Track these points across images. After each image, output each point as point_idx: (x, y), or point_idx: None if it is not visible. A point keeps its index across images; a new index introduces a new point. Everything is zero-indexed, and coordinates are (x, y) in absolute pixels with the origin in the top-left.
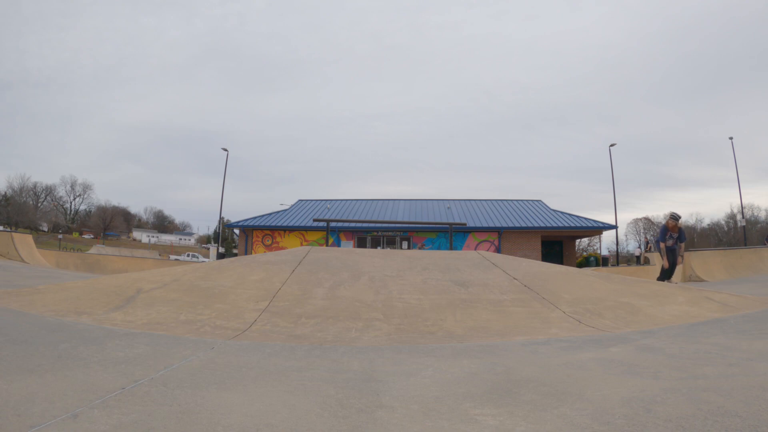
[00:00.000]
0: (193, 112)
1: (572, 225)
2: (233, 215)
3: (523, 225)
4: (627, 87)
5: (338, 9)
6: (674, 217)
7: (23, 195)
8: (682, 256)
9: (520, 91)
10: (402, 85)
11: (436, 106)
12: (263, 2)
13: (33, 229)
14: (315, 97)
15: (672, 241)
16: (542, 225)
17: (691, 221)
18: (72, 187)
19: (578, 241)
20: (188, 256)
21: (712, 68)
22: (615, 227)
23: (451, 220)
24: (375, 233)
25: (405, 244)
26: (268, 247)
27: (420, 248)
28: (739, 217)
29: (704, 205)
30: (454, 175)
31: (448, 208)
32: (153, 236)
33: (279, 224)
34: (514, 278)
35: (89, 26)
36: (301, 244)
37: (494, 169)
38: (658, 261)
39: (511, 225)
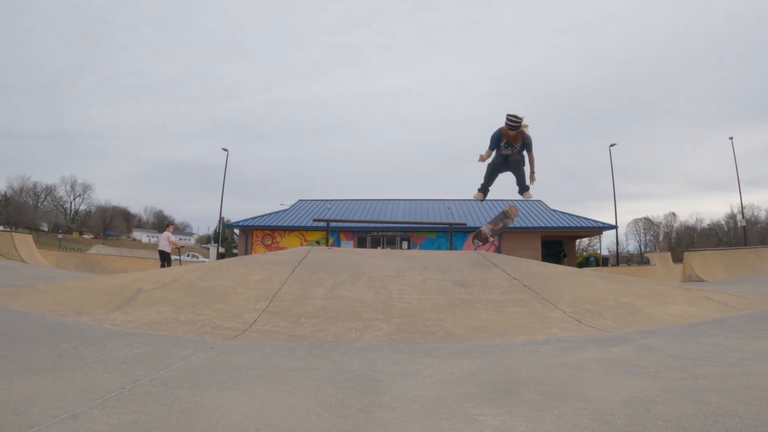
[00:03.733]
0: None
1: (572, 225)
2: (233, 215)
3: (523, 225)
4: (629, 91)
5: (340, 11)
6: (512, 122)
7: (23, 195)
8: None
9: (520, 95)
10: (403, 83)
11: (436, 107)
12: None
13: (33, 229)
14: (316, 96)
15: (511, 151)
16: (542, 225)
17: (692, 221)
18: (72, 187)
19: (578, 241)
20: (188, 256)
21: (715, 69)
22: (615, 227)
23: (451, 220)
24: (375, 233)
25: (405, 244)
26: (268, 247)
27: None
28: (739, 217)
29: (704, 205)
30: (454, 174)
31: (448, 208)
32: (153, 236)
33: (279, 224)
34: (514, 278)
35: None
36: (301, 244)
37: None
38: (658, 261)
39: (511, 225)
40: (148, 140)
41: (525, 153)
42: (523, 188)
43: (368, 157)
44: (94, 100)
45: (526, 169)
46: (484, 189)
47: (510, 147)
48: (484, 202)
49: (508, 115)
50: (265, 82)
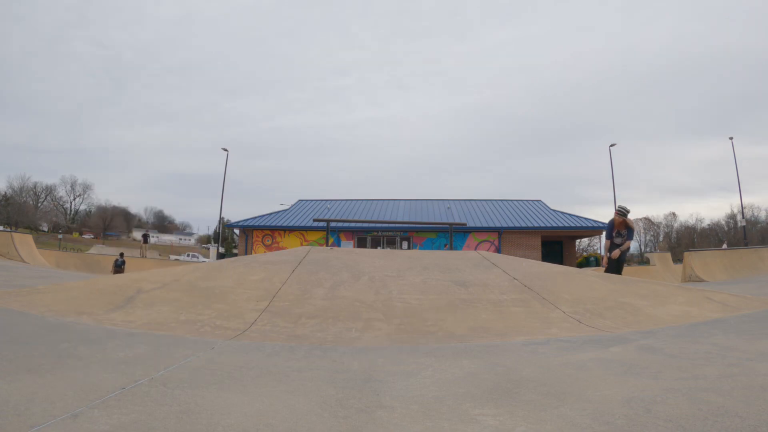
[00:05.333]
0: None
1: (572, 225)
2: (233, 215)
3: (523, 225)
4: (629, 94)
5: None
6: (621, 212)
7: (23, 195)
8: (624, 253)
9: (480, 121)
10: (382, 115)
11: (437, 112)
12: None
13: (33, 229)
14: (309, 125)
15: (621, 239)
16: (542, 225)
17: (692, 221)
18: (72, 187)
19: (578, 241)
20: (188, 256)
21: (718, 73)
22: None
23: (451, 220)
24: (375, 233)
25: (405, 244)
26: (268, 247)
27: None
28: (739, 217)
29: (704, 204)
30: (454, 174)
31: (448, 208)
32: (153, 236)
33: (279, 224)
34: (514, 278)
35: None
36: (301, 244)
37: (494, 170)
38: (658, 261)
39: (511, 225)
40: (158, 155)
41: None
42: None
43: (359, 171)
44: (114, 124)
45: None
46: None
47: (619, 236)
48: (485, 202)
49: (619, 205)
50: (267, 114)
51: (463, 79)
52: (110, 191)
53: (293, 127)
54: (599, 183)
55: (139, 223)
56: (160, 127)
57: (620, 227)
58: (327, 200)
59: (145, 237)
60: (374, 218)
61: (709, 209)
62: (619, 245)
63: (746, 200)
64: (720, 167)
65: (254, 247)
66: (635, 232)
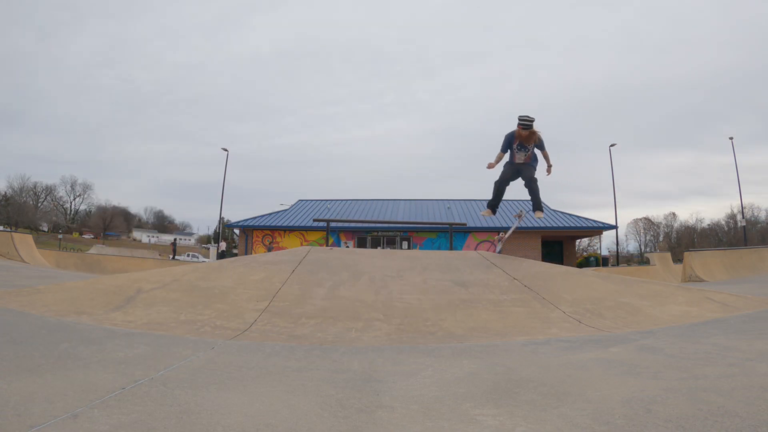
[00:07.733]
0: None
1: (572, 225)
2: (232, 218)
3: (523, 225)
4: (628, 94)
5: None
6: (525, 124)
7: (23, 195)
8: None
9: (453, 137)
10: (369, 135)
11: (396, 148)
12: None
13: (33, 229)
14: (305, 143)
15: (524, 154)
16: (542, 225)
17: (692, 221)
18: (72, 187)
19: (578, 241)
20: (188, 256)
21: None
22: (615, 227)
23: (451, 220)
24: (375, 233)
25: (405, 244)
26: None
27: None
28: (739, 217)
29: (705, 205)
30: (454, 175)
31: (448, 208)
32: (153, 236)
33: (279, 224)
34: (514, 278)
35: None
36: (301, 244)
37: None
38: (658, 261)
39: (511, 225)
40: (162, 167)
41: (535, 164)
42: (537, 206)
43: (356, 175)
44: (126, 141)
45: (540, 183)
46: (493, 205)
47: (523, 149)
48: (486, 202)
49: (520, 116)
50: (266, 135)
51: (435, 107)
52: (110, 191)
53: (291, 143)
54: (599, 183)
55: (139, 223)
56: (167, 144)
57: (527, 141)
58: (327, 200)
59: (174, 243)
60: (374, 218)
61: (709, 209)
62: (522, 162)
63: (746, 200)
64: (720, 168)
65: (254, 247)
66: (545, 149)
